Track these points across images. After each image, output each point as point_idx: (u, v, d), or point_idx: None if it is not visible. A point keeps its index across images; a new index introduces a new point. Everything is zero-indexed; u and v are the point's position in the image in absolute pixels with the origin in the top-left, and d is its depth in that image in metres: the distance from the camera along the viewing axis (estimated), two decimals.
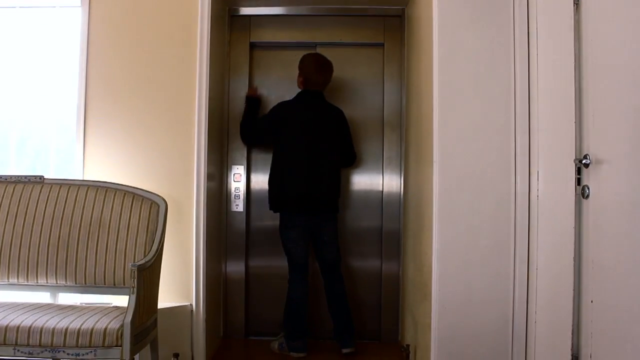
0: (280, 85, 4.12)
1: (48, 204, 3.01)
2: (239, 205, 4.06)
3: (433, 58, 2.84)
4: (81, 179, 3.29)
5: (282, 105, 3.74)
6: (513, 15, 2.77)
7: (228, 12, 4.01)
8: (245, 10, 4.06)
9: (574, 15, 2.25)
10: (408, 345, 3.57)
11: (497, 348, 2.76)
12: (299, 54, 3.82)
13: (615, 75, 2.00)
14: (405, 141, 3.93)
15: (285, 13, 4.13)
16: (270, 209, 3.74)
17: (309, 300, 3.72)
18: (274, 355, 3.70)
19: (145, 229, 2.98)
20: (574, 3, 2.26)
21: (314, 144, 3.65)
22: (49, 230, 2.96)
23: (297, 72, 3.76)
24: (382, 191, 4.09)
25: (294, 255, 3.68)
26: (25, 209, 3.00)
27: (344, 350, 3.64)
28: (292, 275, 3.69)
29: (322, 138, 3.68)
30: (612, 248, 2.00)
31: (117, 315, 2.58)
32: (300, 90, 3.75)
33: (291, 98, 3.77)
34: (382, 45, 4.12)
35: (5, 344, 2.42)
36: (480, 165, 2.79)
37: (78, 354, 2.44)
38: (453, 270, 2.79)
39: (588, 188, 2.16)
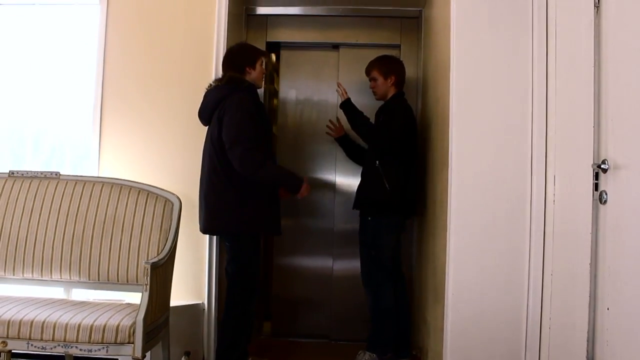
0: (293, 85, 4.13)
1: (63, 200, 3.03)
2: None
3: (450, 60, 2.81)
4: (96, 175, 3.31)
5: (409, 109, 3.56)
6: (532, 17, 2.73)
7: (245, 11, 4.02)
8: (262, 10, 4.06)
9: (594, 17, 2.22)
10: (420, 349, 3.55)
11: (510, 353, 2.73)
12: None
13: (635, 79, 1.97)
14: (421, 143, 3.90)
15: (302, 13, 4.13)
16: (392, 215, 3.46)
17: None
18: (286, 354, 3.70)
19: (159, 227, 2.98)
20: (594, 5, 2.22)
21: (417, 146, 3.60)
22: (63, 226, 2.98)
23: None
24: None
25: (391, 261, 3.49)
26: (40, 205, 3.02)
27: None
28: (389, 284, 3.45)
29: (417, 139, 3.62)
30: (630, 255, 1.97)
31: (130, 312, 2.59)
32: (395, 92, 3.56)
33: (392, 101, 3.56)
34: (399, 46, 4.10)
35: (19, 338, 2.44)
36: (496, 169, 2.76)
37: (90, 350, 2.45)
38: (467, 274, 2.76)
39: (606, 193, 2.13)
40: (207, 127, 3.17)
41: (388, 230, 3.47)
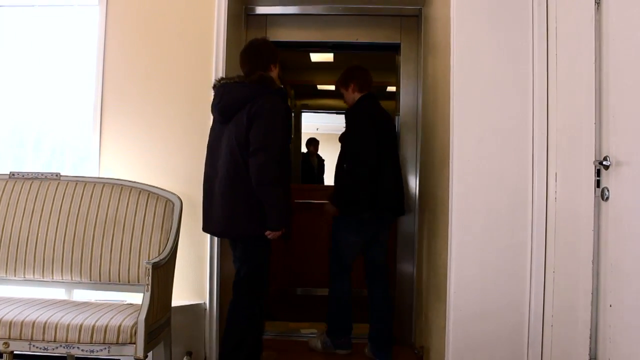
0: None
1: (64, 201, 3.03)
2: None
3: (451, 58, 2.81)
4: (97, 176, 3.31)
5: (367, 113, 3.61)
6: (532, 14, 2.73)
7: (244, 11, 4.02)
8: (262, 9, 4.06)
9: (595, 13, 2.22)
10: (422, 347, 3.54)
11: (513, 352, 2.73)
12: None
13: (637, 75, 1.96)
14: (422, 141, 3.91)
15: (301, 12, 4.13)
16: (352, 212, 3.59)
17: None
18: (285, 354, 3.70)
19: (160, 227, 2.98)
20: (595, 2, 2.22)
21: (391, 143, 3.70)
22: (64, 227, 2.98)
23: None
24: None
25: (348, 257, 3.69)
26: (41, 206, 3.02)
27: None
28: (340, 275, 3.70)
29: (393, 138, 3.76)
30: (632, 251, 1.96)
31: (131, 313, 2.59)
32: (360, 97, 3.70)
33: (358, 105, 3.70)
34: (399, 45, 4.10)
35: (21, 339, 2.44)
36: (498, 167, 2.76)
37: (92, 350, 2.45)
38: (469, 273, 2.76)
39: (608, 190, 2.12)
40: (208, 124, 3.15)
41: (343, 229, 3.66)
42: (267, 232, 2.93)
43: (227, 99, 2.98)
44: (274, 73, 3.12)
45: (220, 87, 3.05)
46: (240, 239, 3.05)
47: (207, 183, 3.06)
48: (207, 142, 3.11)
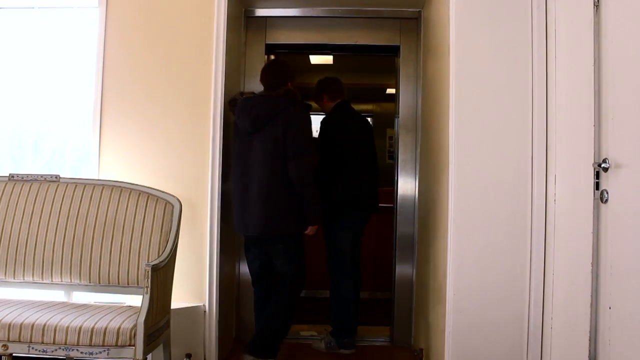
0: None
1: (63, 203, 3.03)
2: None
3: (450, 60, 2.81)
4: (96, 178, 3.31)
5: (336, 120, 3.90)
6: (531, 17, 2.74)
7: (244, 13, 4.02)
8: (261, 12, 4.06)
9: (594, 16, 2.22)
10: (421, 349, 3.54)
11: (512, 353, 2.73)
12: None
13: (636, 78, 1.97)
14: (421, 144, 3.91)
15: (301, 15, 4.12)
16: (344, 213, 3.80)
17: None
18: (290, 355, 3.69)
19: (160, 229, 2.98)
20: (594, 4, 2.22)
21: (366, 145, 3.93)
22: (64, 229, 2.98)
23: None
24: (397, 194, 4.07)
25: (347, 256, 3.82)
26: (40, 208, 3.02)
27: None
28: (343, 275, 3.82)
29: (368, 139, 3.96)
30: (631, 253, 1.96)
31: (131, 315, 2.59)
32: (334, 105, 3.93)
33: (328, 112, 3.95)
34: (399, 47, 4.10)
35: (20, 342, 2.44)
36: (497, 169, 2.76)
37: (91, 353, 2.44)
38: (468, 275, 2.76)
39: (607, 192, 2.13)
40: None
41: (339, 230, 3.83)
42: (309, 229, 3.34)
43: (258, 111, 3.26)
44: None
45: (246, 101, 3.32)
46: (281, 237, 3.34)
47: (240, 189, 3.32)
48: (235, 153, 3.38)
